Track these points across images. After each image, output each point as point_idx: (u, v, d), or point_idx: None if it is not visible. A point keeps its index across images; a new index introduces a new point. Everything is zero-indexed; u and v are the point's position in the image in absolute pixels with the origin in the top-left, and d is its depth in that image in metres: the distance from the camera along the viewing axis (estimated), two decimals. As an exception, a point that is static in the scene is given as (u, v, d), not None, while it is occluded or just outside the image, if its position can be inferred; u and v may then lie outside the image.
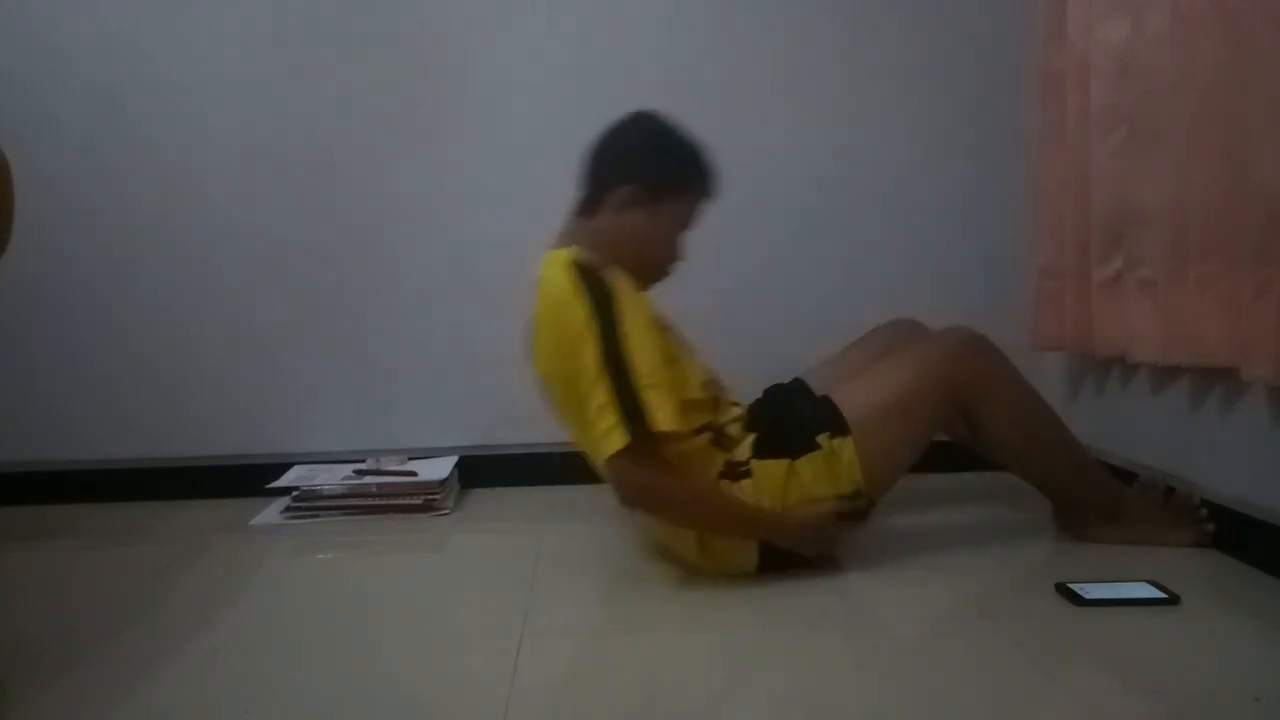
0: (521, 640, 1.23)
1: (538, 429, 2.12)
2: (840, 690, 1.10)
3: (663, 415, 1.31)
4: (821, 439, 1.44)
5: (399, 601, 1.45)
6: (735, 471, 1.45)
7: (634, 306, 1.38)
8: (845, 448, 1.43)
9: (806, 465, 1.44)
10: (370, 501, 1.92)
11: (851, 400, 1.48)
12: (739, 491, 1.44)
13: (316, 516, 1.89)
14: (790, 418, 1.51)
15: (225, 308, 2.09)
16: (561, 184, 2.09)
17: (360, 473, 1.98)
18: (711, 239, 2.11)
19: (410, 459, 2.05)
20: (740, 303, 2.13)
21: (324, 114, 2.06)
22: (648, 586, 1.45)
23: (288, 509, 1.90)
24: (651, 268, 1.51)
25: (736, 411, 1.56)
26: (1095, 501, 1.59)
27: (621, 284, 1.40)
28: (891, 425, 1.46)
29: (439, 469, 1.99)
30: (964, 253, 2.15)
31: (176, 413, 2.10)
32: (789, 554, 1.44)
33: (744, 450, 1.48)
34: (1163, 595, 1.32)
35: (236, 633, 1.31)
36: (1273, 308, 1.30)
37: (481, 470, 2.10)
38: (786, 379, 1.76)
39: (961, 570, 1.50)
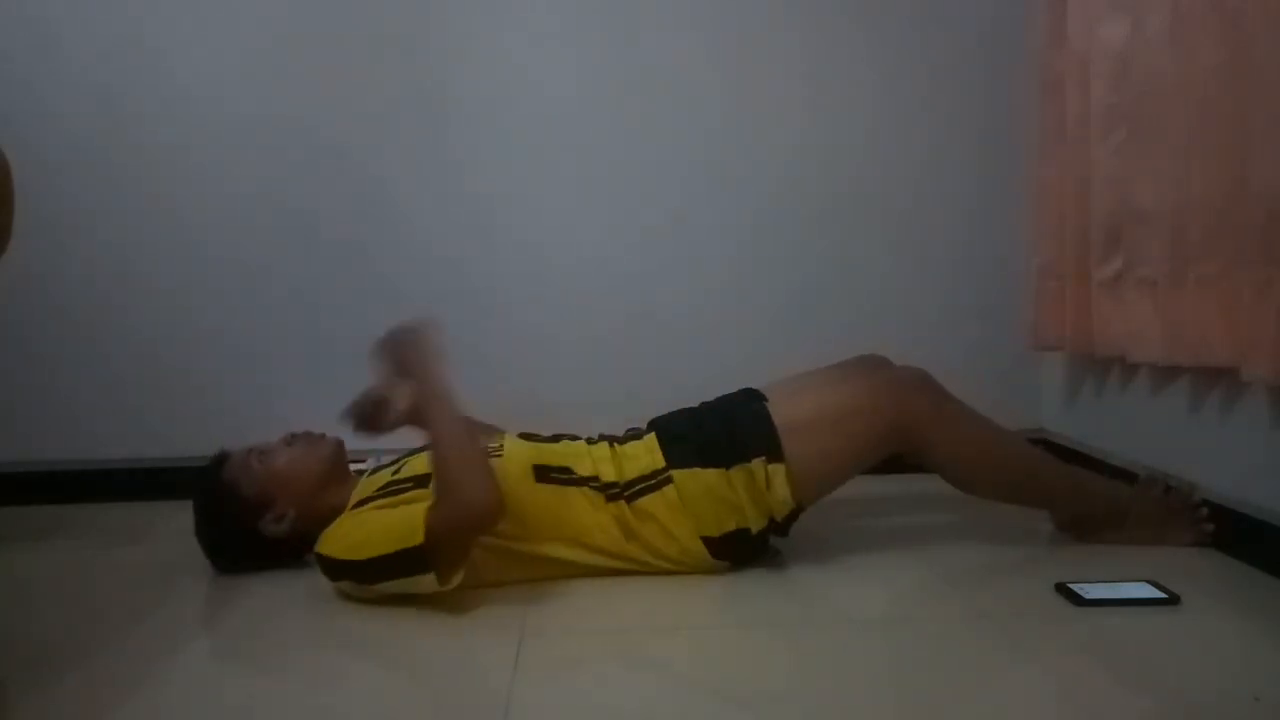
0: (521, 640, 1.23)
1: (537, 429, 2.13)
2: (840, 690, 1.10)
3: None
4: (756, 463, 1.43)
5: (398, 601, 1.45)
6: (652, 483, 1.45)
7: (346, 544, 1.37)
8: (777, 474, 1.43)
9: (740, 477, 1.43)
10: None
11: (791, 408, 1.48)
12: (662, 500, 1.43)
13: (316, 516, 1.88)
14: (725, 426, 1.50)
15: (225, 307, 2.09)
16: (562, 184, 2.11)
17: (360, 473, 1.97)
18: (712, 237, 2.13)
19: (410, 459, 2.04)
20: (739, 302, 2.13)
21: (324, 113, 2.06)
22: (648, 587, 1.45)
23: (288, 509, 1.89)
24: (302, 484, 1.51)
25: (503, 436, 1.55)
26: (1086, 507, 1.59)
27: (331, 540, 1.39)
28: (823, 436, 1.46)
29: (439, 469, 1.98)
30: (964, 252, 2.15)
31: (176, 413, 2.09)
32: (746, 543, 1.45)
33: (652, 460, 1.47)
34: (1163, 595, 1.32)
35: (236, 633, 1.31)
36: (1273, 308, 1.30)
37: (481, 470, 2.10)
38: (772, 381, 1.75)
39: (961, 570, 1.50)
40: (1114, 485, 1.64)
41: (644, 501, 1.44)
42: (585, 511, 1.44)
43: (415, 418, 1.41)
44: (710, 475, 1.44)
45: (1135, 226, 1.65)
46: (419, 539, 1.27)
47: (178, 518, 1.92)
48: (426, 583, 1.30)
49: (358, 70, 2.06)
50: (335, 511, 1.45)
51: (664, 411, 1.63)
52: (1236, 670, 1.12)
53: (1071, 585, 1.34)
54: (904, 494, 1.84)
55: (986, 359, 2.11)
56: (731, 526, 1.44)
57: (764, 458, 1.43)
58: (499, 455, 1.48)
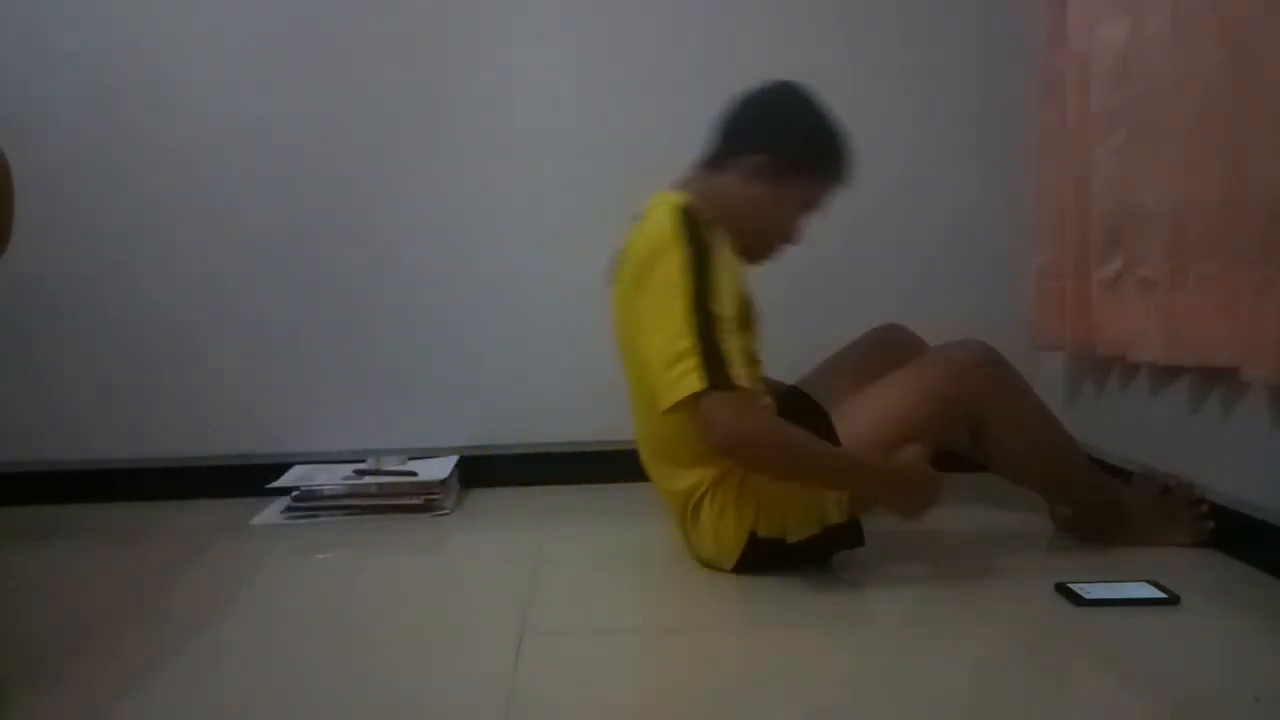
0: (521, 640, 1.23)
1: (538, 429, 2.14)
2: (839, 690, 1.10)
3: (738, 371, 1.30)
4: None
5: (399, 601, 1.45)
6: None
7: (729, 267, 1.37)
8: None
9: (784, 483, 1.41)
10: (370, 501, 1.92)
11: (853, 423, 1.44)
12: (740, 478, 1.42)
13: (316, 516, 1.89)
14: None
15: (225, 307, 2.09)
16: (562, 185, 2.11)
17: (360, 473, 1.98)
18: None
19: (410, 459, 2.05)
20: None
21: (325, 113, 2.06)
22: (648, 586, 1.45)
23: (288, 509, 1.90)
24: (760, 242, 1.50)
25: (767, 400, 1.51)
26: (1095, 504, 1.59)
27: (722, 241, 1.39)
28: (893, 448, 1.41)
29: (439, 469, 1.99)
30: (964, 252, 2.15)
31: (176, 413, 2.10)
32: (776, 553, 1.42)
33: None
34: (1163, 595, 1.32)
35: (236, 633, 1.31)
36: (1273, 308, 1.30)
37: (481, 470, 2.10)
38: (784, 380, 1.75)
39: (961, 570, 1.50)
40: (1117, 484, 1.64)
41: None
42: None
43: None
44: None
45: (1135, 226, 1.65)
46: (694, 386, 1.28)
47: (177, 518, 1.93)
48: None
49: (357, 70, 2.06)
50: None
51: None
52: (1236, 670, 1.12)
53: (1071, 585, 1.34)
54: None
55: (986, 359, 2.11)
56: (775, 533, 1.41)
57: None
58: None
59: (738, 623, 1.32)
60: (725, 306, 1.33)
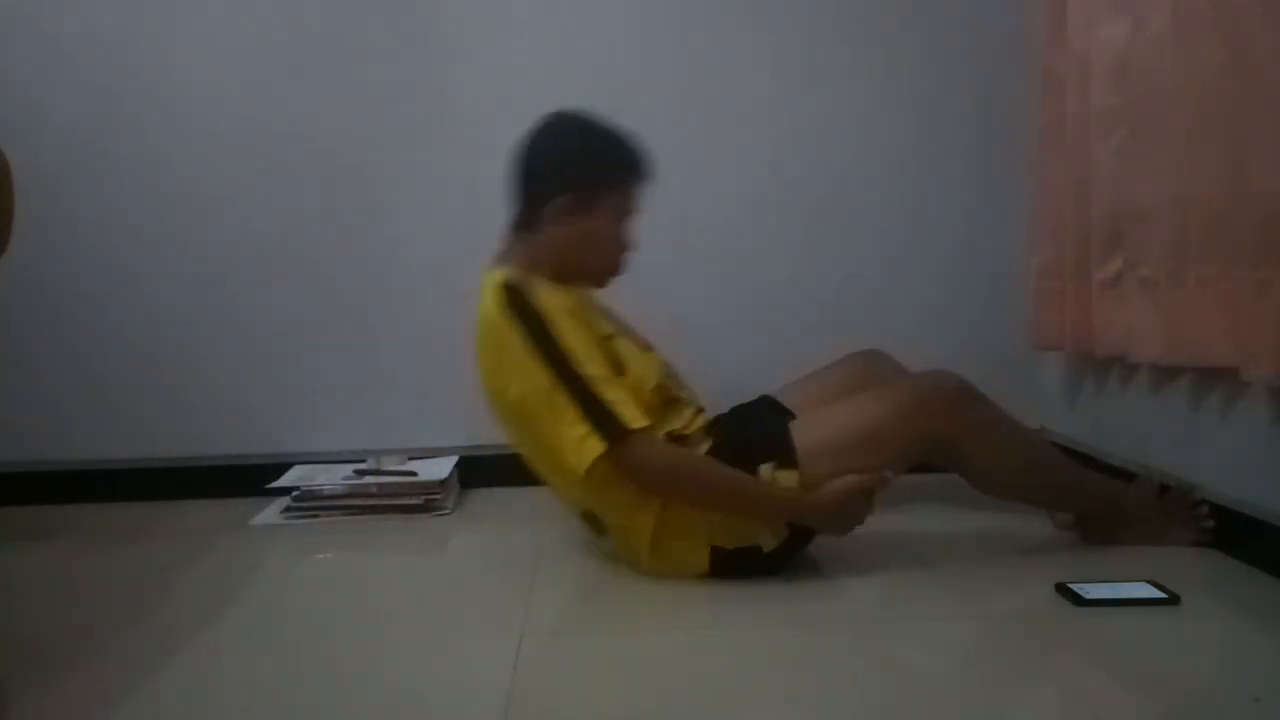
0: (521, 640, 1.23)
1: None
2: (840, 690, 1.10)
3: (630, 413, 1.33)
4: (765, 469, 1.41)
5: (399, 601, 1.45)
6: None
7: (568, 323, 1.39)
8: (789, 480, 1.41)
9: None
10: (370, 501, 1.92)
11: (812, 430, 1.46)
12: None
13: (316, 516, 1.89)
14: (743, 437, 1.49)
15: (225, 307, 2.09)
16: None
17: (360, 473, 1.98)
18: (710, 237, 2.12)
19: (410, 459, 2.05)
20: (738, 302, 2.13)
21: (324, 114, 2.06)
22: (648, 586, 1.45)
23: (288, 509, 1.90)
24: (602, 266, 1.53)
25: (690, 414, 1.53)
26: (1092, 508, 1.59)
27: (552, 300, 1.40)
28: (848, 459, 1.43)
29: (439, 469, 1.99)
30: (964, 252, 2.15)
31: (176, 413, 2.09)
32: (743, 559, 1.42)
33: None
34: (1163, 595, 1.32)
35: (236, 632, 1.31)
36: (1273, 308, 1.30)
37: (481, 470, 2.10)
38: (773, 385, 1.75)
39: (961, 570, 1.50)
40: (1116, 485, 1.64)
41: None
42: None
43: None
44: None
45: (1135, 226, 1.65)
46: (595, 450, 1.33)
47: (177, 518, 1.93)
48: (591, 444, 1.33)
49: (356, 72, 2.06)
50: None
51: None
52: (1236, 670, 1.12)
53: (1071, 585, 1.34)
54: (901, 494, 1.83)
55: (986, 359, 2.10)
56: (745, 542, 1.42)
57: (774, 464, 1.42)
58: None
59: (737, 622, 1.32)
60: (586, 363, 1.36)
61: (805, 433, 1.46)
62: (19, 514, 1.99)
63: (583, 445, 1.33)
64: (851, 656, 1.20)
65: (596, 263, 1.53)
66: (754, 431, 1.50)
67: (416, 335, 2.12)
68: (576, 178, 1.49)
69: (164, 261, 2.07)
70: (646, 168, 1.54)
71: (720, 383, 1.73)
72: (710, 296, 2.13)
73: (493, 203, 2.10)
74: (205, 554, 1.67)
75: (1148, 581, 1.36)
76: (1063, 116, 1.88)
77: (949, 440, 1.47)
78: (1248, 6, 1.35)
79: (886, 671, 1.16)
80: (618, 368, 1.42)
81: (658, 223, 2.10)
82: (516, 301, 1.40)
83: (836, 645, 1.23)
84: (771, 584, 1.42)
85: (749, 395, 1.73)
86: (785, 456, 1.42)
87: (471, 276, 2.13)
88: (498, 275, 1.46)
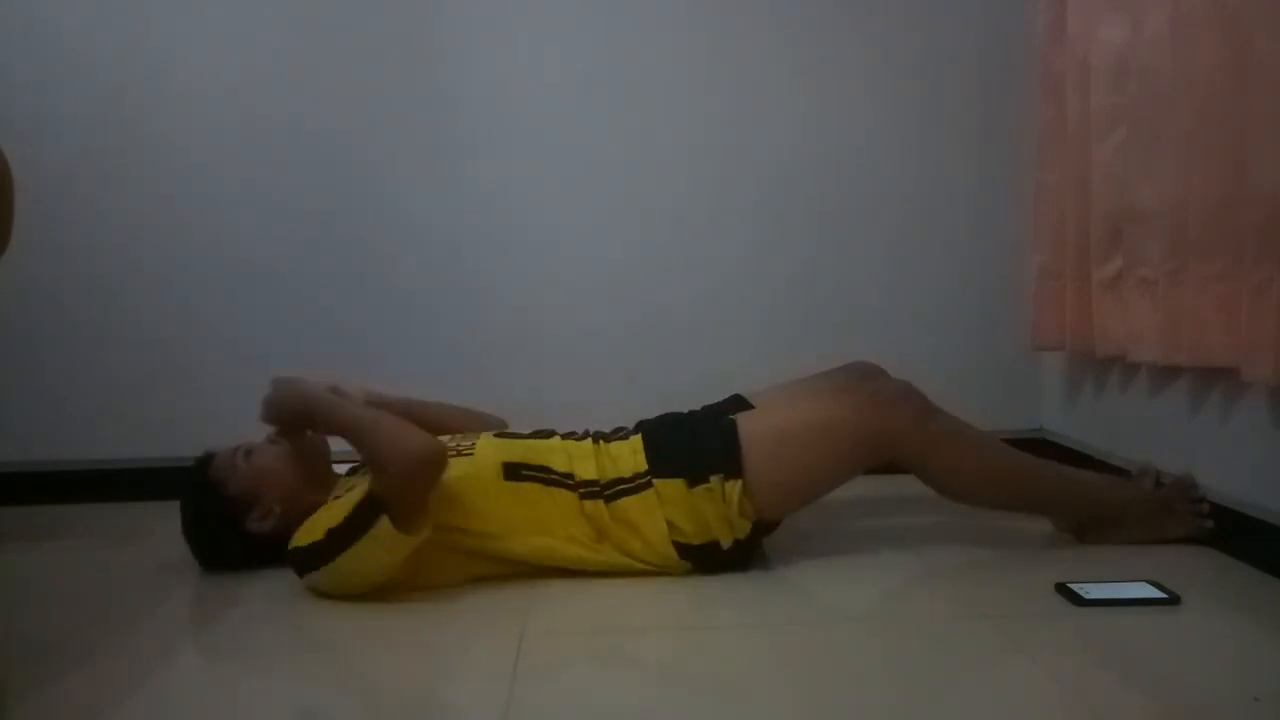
0: (521, 640, 1.23)
1: (537, 427, 2.13)
2: (839, 690, 1.10)
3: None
4: (714, 480, 1.42)
5: (399, 601, 1.45)
6: (631, 486, 1.45)
7: (305, 530, 1.39)
8: (733, 491, 1.41)
9: (704, 498, 1.42)
10: (370, 501, 1.91)
11: (762, 420, 1.47)
12: (640, 504, 1.43)
13: (316, 516, 1.88)
14: (692, 441, 1.49)
15: (226, 307, 2.09)
16: (560, 185, 2.11)
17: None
18: (711, 238, 2.13)
19: (410, 459, 2.04)
20: (739, 302, 2.13)
21: (325, 114, 2.06)
22: (648, 587, 1.45)
23: (288, 509, 1.89)
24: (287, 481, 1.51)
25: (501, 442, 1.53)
26: (1080, 507, 1.59)
27: (298, 535, 1.40)
28: (794, 449, 1.44)
29: (439, 469, 1.98)
30: (964, 252, 2.15)
31: (176, 413, 2.09)
32: (717, 555, 1.44)
33: (635, 462, 1.47)
34: (1163, 595, 1.32)
35: (236, 633, 1.31)
36: (1273, 308, 1.30)
37: (481, 470, 2.10)
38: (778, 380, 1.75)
39: (961, 571, 1.50)
40: (1110, 482, 1.64)
41: (623, 503, 1.44)
42: (554, 509, 1.44)
43: (306, 421, 1.47)
44: (683, 487, 1.43)
45: (1135, 226, 1.65)
46: (363, 494, 1.31)
47: (177, 518, 1.92)
48: (386, 533, 1.29)
49: (361, 70, 2.06)
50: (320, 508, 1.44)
51: (661, 412, 1.63)
52: (1236, 670, 1.12)
53: (1071, 585, 1.34)
54: (902, 494, 1.83)
55: (986, 359, 2.12)
56: (704, 539, 1.44)
57: (722, 474, 1.42)
58: (470, 454, 1.47)
59: (737, 623, 1.32)
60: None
61: (755, 419, 1.47)
62: (19, 514, 1.99)
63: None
64: (852, 656, 1.20)
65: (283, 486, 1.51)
66: (704, 443, 1.48)
67: (416, 336, 2.12)
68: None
69: (165, 261, 2.07)
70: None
71: (720, 383, 1.73)
72: (710, 294, 2.13)
73: (495, 201, 2.12)
74: (205, 554, 1.67)
75: (1148, 581, 1.36)
76: (1063, 116, 1.88)
77: (912, 453, 1.47)
78: (1248, 6, 1.35)
79: (886, 671, 1.16)
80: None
81: (659, 227, 2.12)
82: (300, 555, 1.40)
83: (837, 645, 1.23)
84: (770, 585, 1.42)
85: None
86: (731, 467, 1.43)
87: (471, 276, 2.14)
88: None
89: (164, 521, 1.89)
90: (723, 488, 1.42)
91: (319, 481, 1.54)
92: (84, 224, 2.05)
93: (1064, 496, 1.59)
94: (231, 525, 1.49)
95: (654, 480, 1.45)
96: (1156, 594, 1.32)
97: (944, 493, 1.54)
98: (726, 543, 1.44)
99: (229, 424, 2.10)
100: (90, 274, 2.07)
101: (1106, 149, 1.70)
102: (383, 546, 1.31)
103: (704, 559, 1.45)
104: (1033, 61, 2.03)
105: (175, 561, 1.60)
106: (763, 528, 1.49)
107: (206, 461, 1.53)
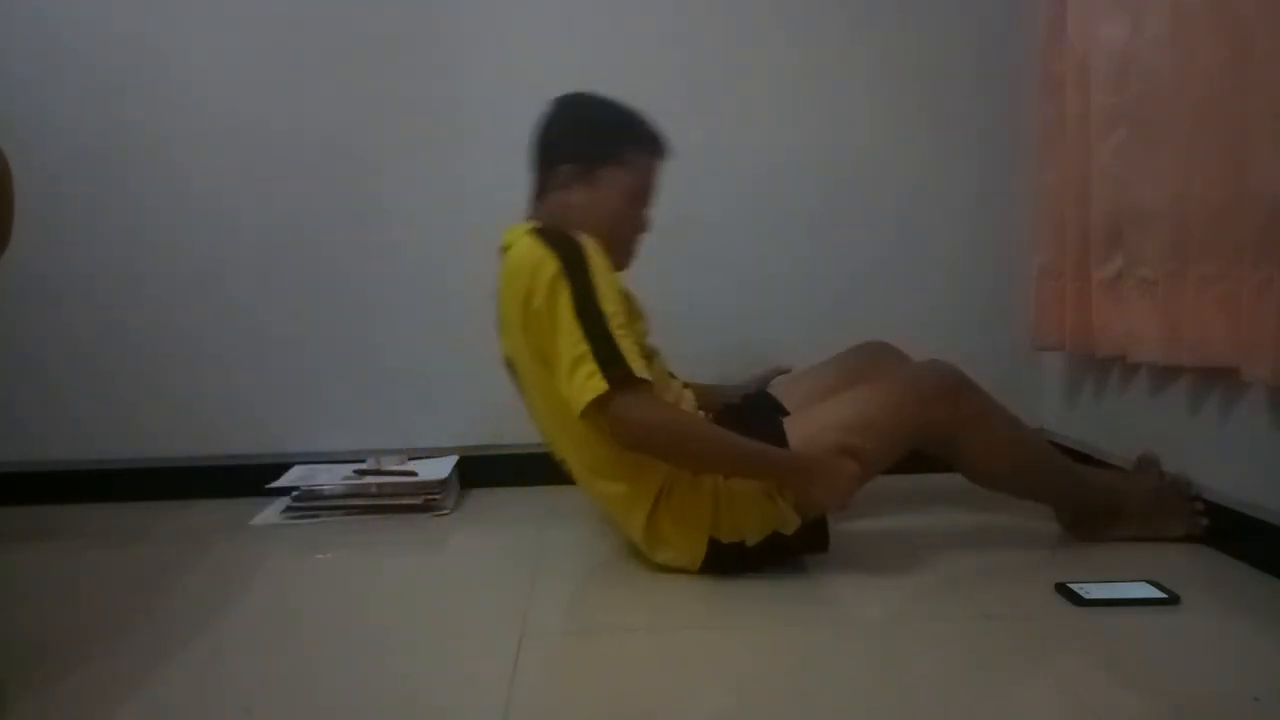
0: (521, 640, 1.23)
1: (538, 429, 2.13)
2: (840, 690, 1.10)
3: (636, 363, 1.33)
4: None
5: (399, 601, 1.45)
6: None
7: (603, 265, 1.40)
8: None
9: (745, 484, 1.42)
10: (370, 501, 1.92)
11: (807, 424, 1.46)
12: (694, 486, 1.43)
13: (316, 516, 1.89)
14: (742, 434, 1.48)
15: (226, 307, 2.09)
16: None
17: (360, 473, 1.98)
18: (711, 238, 2.13)
19: (410, 459, 2.05)
20: (739, 302, 2.13)
21: (325, 113, 2.06)
22: (647, 587, 1.45)
23: (288, 509, 1.90)
24: (609, 243, 1.49)
25: (676, 385, 1.56)
26: (1088, 501, 1.59)
27: (589, 241, 1.41)
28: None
29: (439, 469, 1.99)
30: (964, 252, 2.15)
31: (176, 413, 2.10)
32: (738, 556, 1.43)
33: None
34: (1163, 595, 1.32)
35: (236, 633, 1.31)
36: (1273, 308, 1.30)
37: (481, 470, 2.10)
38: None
39: (960, 570, 1.50)
40: (1110, 477, 1.65)
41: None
42: None
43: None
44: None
45: (1135, 226, 1.65)
46: (599, 388, 1.31)
47: (177, 518, 1.93)
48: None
49: (359, 71, 2.06)
50: None
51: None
52: (1236, 670, 1.12)
53: (1071, 585, 1.34)
54: (902, 494, 1.84)
55: (986, 359, 2.09)
56: (732, 538, 1.43)
57: None
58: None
59: (737, 623, 1.32)
60: (610, 302, 1.35)
61: (800, 426, 1.46)
62: (19, 514, 1.99)
63: (586, 383, 1.30)
64: (851, 656, 1.20)
65: (608, 236, 1.49)
66: (753, 431, 1.49)
67: (416, 335, 2.12)
68: (579, 147, 1.52)
69: (165, 261, 2.07)
70: (656, 147, 1.55)
71: (723, 379, 1.73)
72: (713, 293, 2.13)
73: (494, 203, 2.11)
74: (205, 554, 1.67)
75: (1148, 581, 1.36)
76: (1063, 116, 1.88)
77: (945, 432, 1.47)
78: (1248, 6, 1.35)
79: (886, 671, 1.16)
80: (632, 320, 1.43)
81: (659, 227, 2.12)
82: (554, 236, 1.40)
83: (836, 645, 1.23)
84: (771, 584, 1.42)
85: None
86: None
87: (471, 276, 2.13)
88: (524, 225, 1.48)
89: (164, 521, 1.90)
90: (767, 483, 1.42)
91: None
92: (84, 224, 2.05)
93: (1076, 489, 1.59)
94: None
95: None
96: (1156, 594, 1.32)
97: (968, 473, 1.54)
98: (753, 540, 1.43)
99: (229, 424, 2.12)
100: (89, 273, 2.06)
101: (1106, 149, 1.70)
102: None
103: (726, 560, 1.44)
104: (1033, 61, 2.03)
105: (175, 561, 1.60)
106: (808, 539, 1.46)
107: None
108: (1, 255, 1.43)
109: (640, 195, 1.55)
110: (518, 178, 2.10)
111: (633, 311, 1.50)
